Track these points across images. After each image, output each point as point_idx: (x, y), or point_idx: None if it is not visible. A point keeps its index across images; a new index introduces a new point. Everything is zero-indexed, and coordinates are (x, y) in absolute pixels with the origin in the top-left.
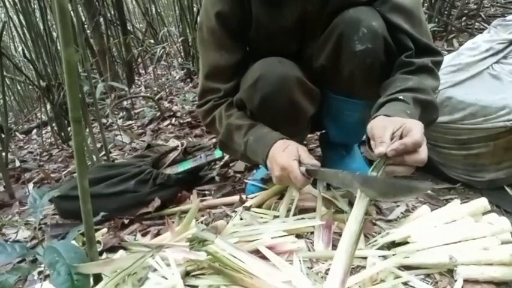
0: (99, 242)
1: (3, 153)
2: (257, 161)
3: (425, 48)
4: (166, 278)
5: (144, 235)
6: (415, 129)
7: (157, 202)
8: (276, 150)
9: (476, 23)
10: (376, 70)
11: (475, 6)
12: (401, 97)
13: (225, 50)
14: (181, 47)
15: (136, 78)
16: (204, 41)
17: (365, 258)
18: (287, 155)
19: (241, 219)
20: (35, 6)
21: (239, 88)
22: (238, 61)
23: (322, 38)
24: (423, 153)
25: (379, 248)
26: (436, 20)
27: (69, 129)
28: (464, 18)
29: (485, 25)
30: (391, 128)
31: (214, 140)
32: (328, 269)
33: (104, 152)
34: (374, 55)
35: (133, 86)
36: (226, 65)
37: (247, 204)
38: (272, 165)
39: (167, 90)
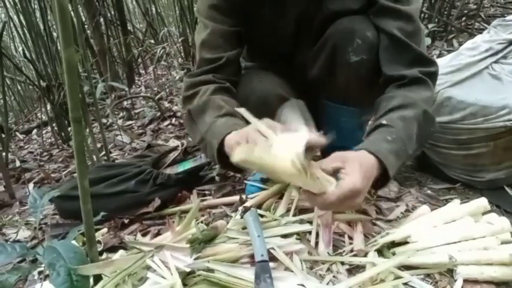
0: (99, 242)
1: (4, 153)
2: (211, 149)
3: (419, 58)
4: (165, 278)
5: (144, 235)
6: (346, 182)
7: (157, 202)
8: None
9: (476, 23)
10: (372, 80)
11: (474, 6)
12: (384, 122)
13: (230, 17)
14: (181, 47)
15: (136, 78)
16: (206, 11)
17: (365, 258)
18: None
19: (241, 217)
20: (35, 6)
21: (238, 60)
22: (240, 31)
23: (315, 48)
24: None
25: (379, 248)
26: (436, 20)
27: (69, 129)
28: (464, 18)
29: (485, 25)
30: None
31: None
32: (329, 269)
33: (104, 152)
34: (369, 66)
35: (133, 86)
36: (230, 30)
37: (247, 204)
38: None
39: (167, 90)
